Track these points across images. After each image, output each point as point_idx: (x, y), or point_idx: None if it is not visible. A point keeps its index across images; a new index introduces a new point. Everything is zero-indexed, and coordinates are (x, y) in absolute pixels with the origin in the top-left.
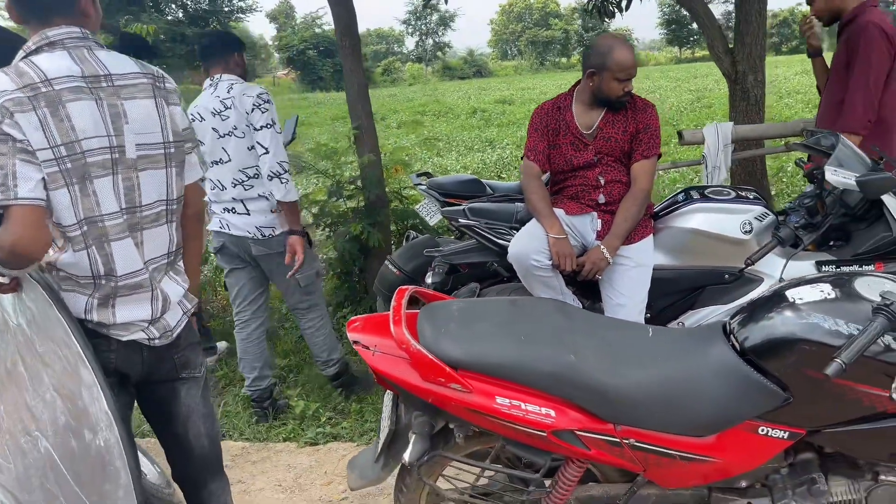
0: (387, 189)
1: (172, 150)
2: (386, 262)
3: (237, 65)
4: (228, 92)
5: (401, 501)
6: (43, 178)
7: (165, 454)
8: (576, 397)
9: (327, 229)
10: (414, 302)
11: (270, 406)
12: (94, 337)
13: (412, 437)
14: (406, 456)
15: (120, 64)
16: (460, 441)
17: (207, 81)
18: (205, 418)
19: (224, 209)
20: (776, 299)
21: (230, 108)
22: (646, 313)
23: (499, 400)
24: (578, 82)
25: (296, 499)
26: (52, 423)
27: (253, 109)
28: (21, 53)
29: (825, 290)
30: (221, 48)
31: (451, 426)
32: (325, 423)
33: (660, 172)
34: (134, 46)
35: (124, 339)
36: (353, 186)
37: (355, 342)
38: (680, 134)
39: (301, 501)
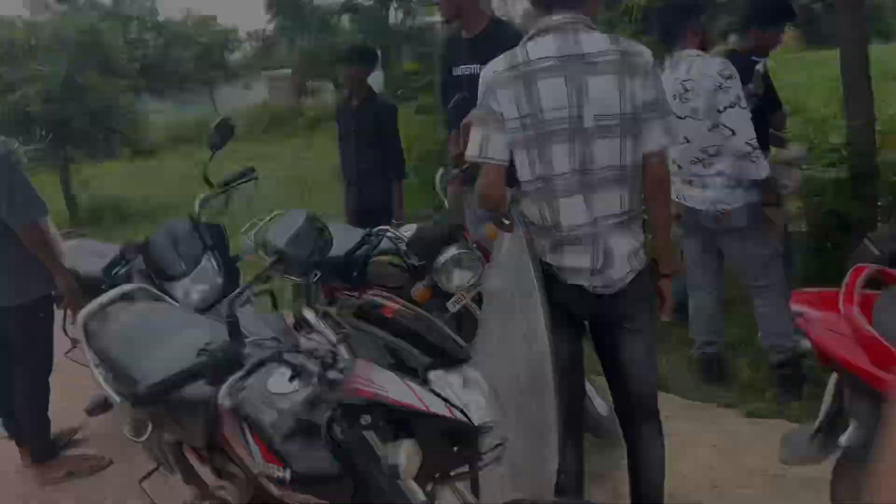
0: (879, 160)
1: (629, 121)
2: (864, 240)
3: (695, 34)
4: (688, 73)
5: (837, 491)
6: (507, 143)
7: (609, 389)
8: None
9: (800, 202)
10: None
11: (717, 371)
12: (548, 277)
13: (852, 422)
14: (843, 440)
15: (594, 44)
16: None
17: (668, 62)
18: (643, 367)
19: (682, 181)
20: None
21: (691, 90)
22: None
23: None
24: None
25: (730, 463)
26: (521, 334)
27: (715, 90)
28: (524, 38)
29: None
30: (676, 22)
31: None
32: (769, 399)
33: None
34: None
35: (570, 282)
36: (835, 154)
37: (798, 314)
38: None
39: (735, 466)
